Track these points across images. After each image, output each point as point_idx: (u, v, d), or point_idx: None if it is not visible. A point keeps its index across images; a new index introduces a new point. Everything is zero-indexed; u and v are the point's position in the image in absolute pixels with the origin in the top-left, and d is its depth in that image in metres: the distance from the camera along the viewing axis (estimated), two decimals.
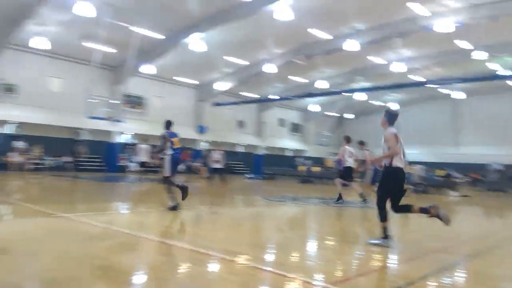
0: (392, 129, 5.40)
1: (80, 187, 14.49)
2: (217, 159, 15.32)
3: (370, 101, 33.52)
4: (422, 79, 25.86)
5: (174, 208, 8.00)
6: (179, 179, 9.96)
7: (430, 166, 21.75)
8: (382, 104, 35.13)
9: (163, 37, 20.02)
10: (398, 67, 23.30)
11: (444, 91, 29.91)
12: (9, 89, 19.99)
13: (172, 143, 8.19)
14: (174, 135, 8.42)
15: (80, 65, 21.91)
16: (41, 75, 21.17)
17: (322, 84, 27.01)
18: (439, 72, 25.60)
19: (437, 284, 4.04)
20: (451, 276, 4.35)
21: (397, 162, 5.24)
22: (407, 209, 5.38)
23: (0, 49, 18.95)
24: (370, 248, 5.58)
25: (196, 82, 27.90)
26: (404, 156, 5.35)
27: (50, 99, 21.21)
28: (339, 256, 5.13)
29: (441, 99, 32.31)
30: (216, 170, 15.34)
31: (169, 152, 8.15)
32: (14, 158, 19.79)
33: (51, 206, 8.14)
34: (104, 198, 9.03)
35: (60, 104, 21.37)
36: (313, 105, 33.61)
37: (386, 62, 24.78)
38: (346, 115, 37.41)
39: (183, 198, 8.22)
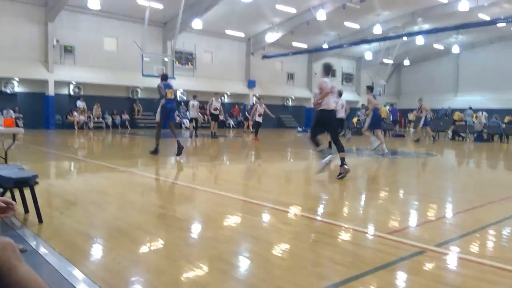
0: (324, 79, 6.77)
1: (138, 143, 15.21)
2: (260, 113, 15.27)
3: (430, 46, 31.30)
4: (487, 18, 23.49)
5: (154, 152, 9.24)
6: (177, 132, 10.83)
7: (498, 113, 20.17)
8: (442, 47, 32.73)
9: None
10: (462, 6, 21.28)
11: None
12: (67, 50, 20.87)
13: (165, 93, 9.17)
14: (168, 86, 9.31)
15: (132, 24, 22.27)
16: (97, 35, 21.80)
17: (377, 30, 25.49)
18: (509, 9, 23.07)
19: (497, 232, 3.86)
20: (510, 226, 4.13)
21: (323, 106, 6.65)
22: (339, 148, 6.85)
23: (56, 11, 19.63)
24: (424, 198, 5.42)
25: (245, 35, 27.45)
26: (332, 101, 6.75)
27: (106, 59, 21.96)
28: (392, 206, 5.02)
29: (509, 39, 29.44)
30: (259, 124, 15.34)
31: (162, 101, 9.17)
32: (76, 117, 21.06)
33: (113, 161, 8.65)
34: (160, 153, 9.43)
35: (116, 63, 22.10)
36: (367, 53, 32.00)
37: (448, 1, 22.73)
38: (403, 62, 35.37)
39: (177, 154, 8.85)
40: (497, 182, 7.41)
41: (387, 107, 27.87)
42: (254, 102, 16.70)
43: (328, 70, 6.96)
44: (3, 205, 1.81)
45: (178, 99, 25.15)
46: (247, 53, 28.41)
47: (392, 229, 3.89)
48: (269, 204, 4.79)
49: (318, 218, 4.34)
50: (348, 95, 34.08)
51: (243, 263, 2.92)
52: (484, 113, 21.83)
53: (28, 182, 3.66)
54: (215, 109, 16.75)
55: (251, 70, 28.45)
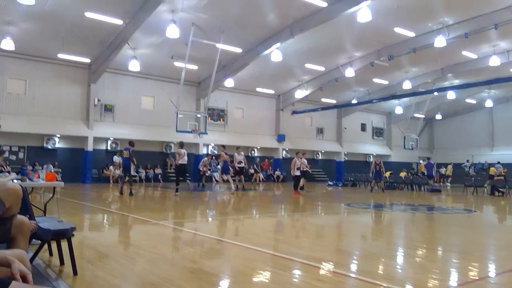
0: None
1: (169, 196, 15.41)
2: (298, 166, 15.35)
3: (462, 100, 31.04)
4: None
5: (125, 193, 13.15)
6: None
7: None
8: (474, 102, 32.31)
9: (241, 50, 20.66)
10: (493, 61, 21.25)
11: None
12: (107, 108, 22.12)
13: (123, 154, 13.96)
14: (125, 149, 13.78)
15: (168, 83, 23.48)
16: (135, 94, 23.09)
17: (407, 85, 25.67)
18: None
19: None
20: None
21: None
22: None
23: (99, 74, 21.09)
24: (465, 256, 5.14)
25: (274, 92, 28.27)
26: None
27: (143, 116, 23.05)
28: (431, 264, 4.77)
29: None
30: (298, 177, 15.37)
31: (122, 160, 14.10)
32: (112, 171, 21.75)
33: (145, 214, 8.77)
34: (191, 207, 9.51)
35: (152, 120, 23.12)
36: (398, 108, 31.99)
37: (478, 56, 22.79)
38: (435, 117, 35.01)
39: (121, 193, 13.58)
40: None
41: (421, 161, 27.25)
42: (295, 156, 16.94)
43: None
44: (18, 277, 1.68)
45: (210, 153, 25.70)
46: (276, 109, 29.08)
47: None
48: (301, 259, 4.67)
49: (353, 275, 4.18)
50: (378, 149, 33.78)
51: None
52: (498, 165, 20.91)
53: (66, 234, 3.77)
54: (239, 162, 17.02)
55: (281, 125, 28.94)
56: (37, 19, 16.34)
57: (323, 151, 31.67)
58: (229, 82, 23.48)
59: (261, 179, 26.48)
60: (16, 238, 2.45)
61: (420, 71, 25.55)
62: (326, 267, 4.41)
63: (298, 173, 15.36)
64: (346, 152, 32.32)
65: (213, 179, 24.10)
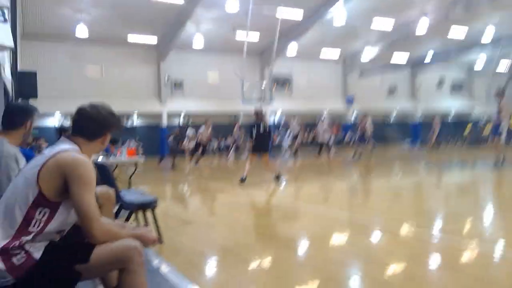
0: None
1: (242, 165, 15.77)
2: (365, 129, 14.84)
3: None
4: None
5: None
6: None
7: None
8: None
9: (302, 13, 20.02)
10: None
11: None
12: (177, 84, 23.04)
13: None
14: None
15: (231, 56, 23.63)
16: (201, 70, 23.65)
17: (487, 37, 23.22)
18: None
19: None
20: None
21: None
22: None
23: (167, 52, 21.84)
24: None
25: (340, 55, 27.18)
26: None
27: (210, 90, 23.60)
28: None
29: None
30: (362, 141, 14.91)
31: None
32: (187, 144, 22.72)
33: (222, 182, 9.09)
34: (261, 175, 9.66)
35: (218, 93, 23.59)
36: (478, 61, 29.11)
37: None
38: None
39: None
40: None
41: None
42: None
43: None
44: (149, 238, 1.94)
45: (276, 121, 25.76)
46: (343, 72, 28.05)
47: None
48: (380, 223, 4.54)
49: (436, 237, 3.97)
50: (460, 105, 31.36)
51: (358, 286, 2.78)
52: None
53: (149, 205, 4.02)
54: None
55: (349, 87, 27.95)
56: (106, 5, 17.18)
57: (395, 112, 30.15)
58: (292, 49, 23.00)
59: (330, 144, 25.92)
60: (103, 206, 2.66)
61: (501, 18, 22.83)
62: (407, 230, 4.26)
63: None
64: (422, 111, 30.43)
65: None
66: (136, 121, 22.87)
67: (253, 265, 3.34)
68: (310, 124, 22.53)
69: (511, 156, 10.19)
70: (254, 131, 8.39)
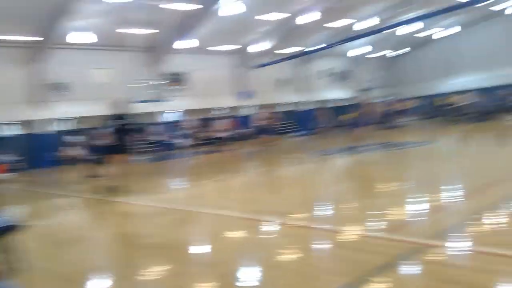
0: None
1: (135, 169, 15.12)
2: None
3: (414, 34, 31.31)
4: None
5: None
6: None
7: (490, 91, 20.47)
8: (427, 34, 32.70)
9: (196, 6, 19.77)
10: None
11: (496, 8, 27.13)
12: (60, 87, 21.01)
13: None
14: None
15: (120, 52, 22.35)
16: (86, 68, 21.88)
17: (365, 24, 25.59)
18: None
19: (506, 210, 3.78)
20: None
21: None
22: None
23: (45, 51, 19.80)
24: (436, 188, 5.33)
25: (234, 48, 27.57)
26: None
27: (98, 90, 21.86)
28: (396, 202, 4.92)
29: (495, 17, 29.54)
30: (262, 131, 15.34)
31: None
32: (68, 152, 20.47)
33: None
34: (161, 177, 9.38)
35: (108, 93, 21.92)
36: (359, 49, 31.99)
37: None
38: (395, 53, 35.40)
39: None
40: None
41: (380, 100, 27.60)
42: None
43: None
44: None
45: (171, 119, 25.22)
46: (238, 66, 28.52)
47: (388, 227, 3.79)
48: (267, 217, 4.69)
49: (315, 226, 4.23)
50: (345, 93, 34.12)
51: None
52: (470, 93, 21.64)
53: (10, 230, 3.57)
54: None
55: (245, 81, 28.54)
56: None
57: (289, 102, 31.66)
58: (186, 44, 22.62)
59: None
60: None
61: (376, 9, 25.38)
62: (290, 221, 4.46)
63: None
64: (312, 101, 32.41)
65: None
66: (8, 131, 20.28)
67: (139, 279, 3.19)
68: (207, 120, 22.55)
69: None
70: (113, 128, 7.16)
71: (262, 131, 15.52)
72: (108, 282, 3.23)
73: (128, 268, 3.47)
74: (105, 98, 21.80)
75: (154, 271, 3.30)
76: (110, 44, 21.99)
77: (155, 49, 23.82)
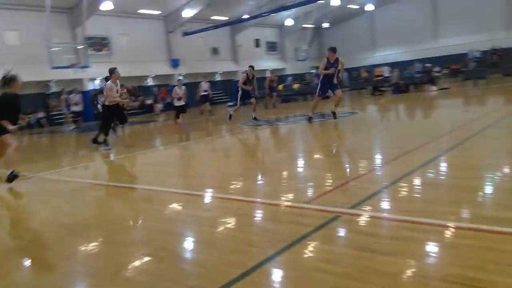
0: (108, 83, 8.49)
1: (61, 141, 14.11)
2: (179, 96, 14.63)
3: (345, 6, 32.12)
4: None
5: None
6: None
7: (411, 64, 22.19)
8: (357, 7, 33.70)
9: None
10: None
11: None
12: None
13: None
14: None
15: (35, 13, 20.20)
16: None
17: None
18: None
19: (421, 178, 4.00)
20: (432, 170, 4.29)
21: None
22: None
23: None
24: (357, 157, 5.49)
25: (161, 12, 26.23)
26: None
27: (11, 54, 19.73)
28: (324, 171, 5.01)
29: None
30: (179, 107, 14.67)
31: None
32: None
33: (32, 167, 7.85)
34: (86, 150, 8.77)
35: (22, 57, 19.93)
36: (288, 19, 32.13)
37: None
38: (322, 25, 36.06)
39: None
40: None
41: (313, 71, 28.39)
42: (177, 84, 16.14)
43: (111, 75, 8.50)
44: None
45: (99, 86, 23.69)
46: (166, 32, 27.28)
47: (309, 197, 3.84)
48: (187, 190, 4.55)
49: (235, 198, 4.16)
50: (274, 64, 34.29)
51: (149, 266, 2.66)
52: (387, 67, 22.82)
53: None
54: (205, 90, 17.15)
55: (173, 49, 27.43)
56: None
57: (221, 72, 31.18)
58: (106, 5, 21.00)
59: (159, 109, 25.23)
60: None
61: None
62: (209, 195, 4.37)
63: (178, 103, 14.55)
64: (243, 70, 32.21)
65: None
66: None
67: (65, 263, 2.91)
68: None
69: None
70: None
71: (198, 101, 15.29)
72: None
73: (48, 251, 3.16)
74: (19, 62, 19.96)
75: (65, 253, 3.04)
76: (25, 3, 19.82)
77: (74, 10, 21.93)
